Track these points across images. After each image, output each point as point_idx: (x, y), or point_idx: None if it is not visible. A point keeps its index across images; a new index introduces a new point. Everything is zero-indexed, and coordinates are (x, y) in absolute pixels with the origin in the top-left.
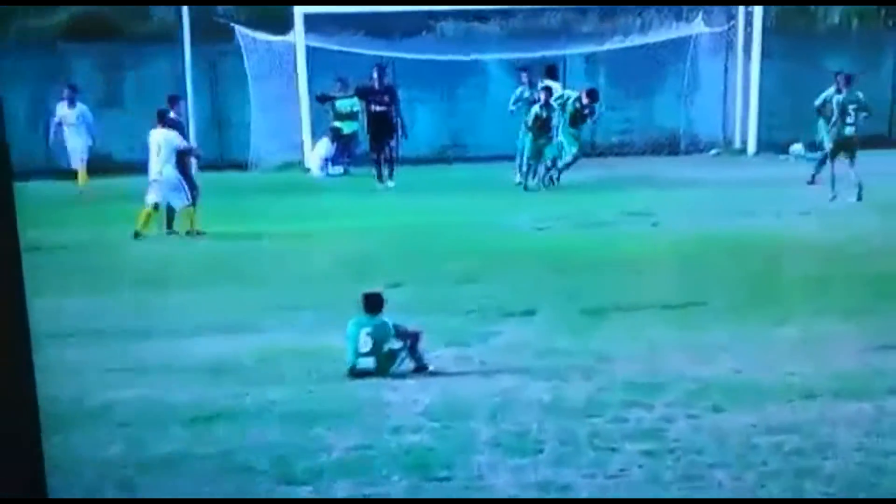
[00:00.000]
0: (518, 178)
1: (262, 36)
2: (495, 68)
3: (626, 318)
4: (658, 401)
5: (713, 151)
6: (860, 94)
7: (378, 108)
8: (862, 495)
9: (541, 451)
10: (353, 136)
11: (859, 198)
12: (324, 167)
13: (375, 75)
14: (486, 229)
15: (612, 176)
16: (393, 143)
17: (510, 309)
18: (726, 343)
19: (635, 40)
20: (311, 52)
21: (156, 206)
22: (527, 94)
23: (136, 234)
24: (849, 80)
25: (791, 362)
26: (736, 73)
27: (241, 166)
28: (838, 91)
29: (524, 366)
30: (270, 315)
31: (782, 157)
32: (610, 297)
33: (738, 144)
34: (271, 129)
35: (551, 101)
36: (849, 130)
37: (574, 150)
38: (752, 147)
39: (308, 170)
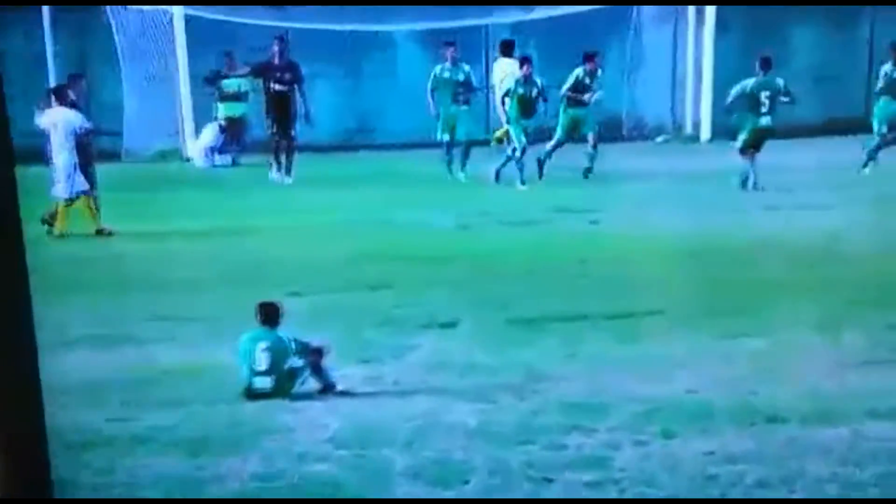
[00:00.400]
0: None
1: (133, 5)
2: (408, 40)
3: (562, 330)
4: (601, 425)
5: (661, 138)
6: (780, 80)
7: (278, 88)
8: None
9: (466, 483)
10: (241, 121)
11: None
12: (208, 157)
13: (276, 49)
14: (400, 228)
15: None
16: (295, 130)
17: (428, 320)
18: (679, 359)
19: (569, 7)
20: (190, 22)
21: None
22: (447, 74)
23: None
24: (767, 62)
25: (754, 381)
26: (686, 46)
27: (113, 156)
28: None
29: (446, 385)
30: (151, 327)
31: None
32: (544, 305)
33: (689, 130)
34: (146, 113)
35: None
36: (764, 121)
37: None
38: (705, 133)
39: (189, 160)
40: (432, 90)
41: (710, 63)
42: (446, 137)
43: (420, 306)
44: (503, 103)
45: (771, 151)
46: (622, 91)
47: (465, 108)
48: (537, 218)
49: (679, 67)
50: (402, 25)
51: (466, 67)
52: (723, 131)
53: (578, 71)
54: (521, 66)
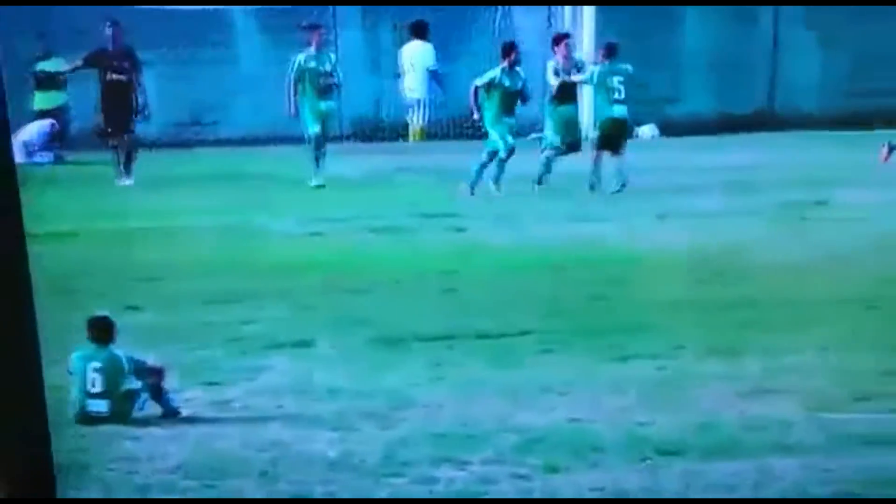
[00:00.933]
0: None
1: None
2: (248, 22)
3: (430, 351)
4: (475, 456)
5: (533, 135)
6: (628, 66)
7: (116, 78)
8: None
9: None
10: (60, 111)
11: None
12: (31, 153)
13: (109, 34)
14: (245, 234)
15: (404, 165)
16: (134, 124)
17: (280, 338)
18: (560, 383)
19: None
20: None
21: None
22: (313, 64)
23: None
24: (611, 49)
25: (644, 409)
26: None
27: None
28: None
29: (301, 411)
30: None
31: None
32: (409, 323)
33: None
34: None
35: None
36: (618, 111)
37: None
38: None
39: None
40: (295, 81)
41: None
42: (316, 131)
43: (271, 323)
44: (476, 96)
45: (663, 150)
46: None
47: (332, 102)
48: (400, 224)
49: None
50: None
51: (333, 56)
52: None
53: (496, 72)
54: (507, 53)
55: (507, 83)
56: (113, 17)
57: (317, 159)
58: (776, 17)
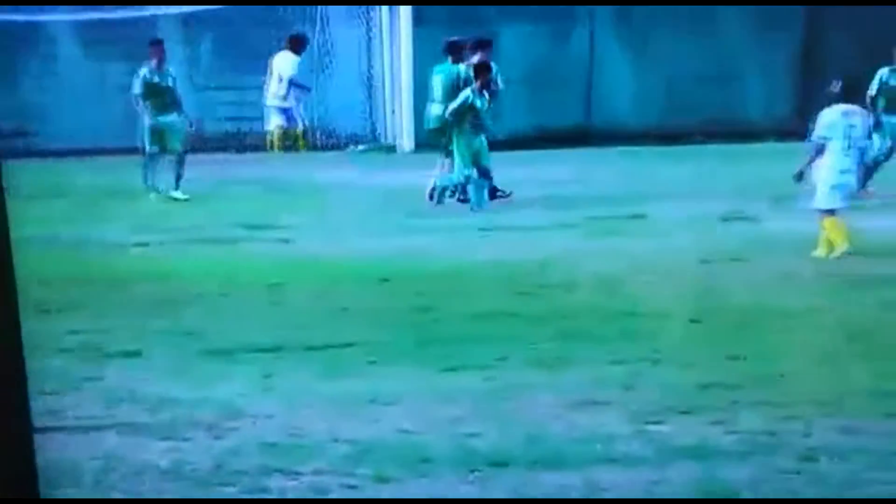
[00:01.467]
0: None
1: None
2: (67, 34)
3: (257, 362)
4: (305, 466)
5: (357, 147)
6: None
7: None
8: None
9: None
10: None
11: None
12: None
13: None
14: (69, 245)
15: (225, 177)
16: None
17: (108, 348)
18: (387, 394)
19: None
20: None
21: None
22: (157, 79)
23: None
24: (479, 46)
25: (472, 420)
26: (382, 44)
27: None
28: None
29: (130, 420)
30: None
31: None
32: (236, 334)
33: (388, 139)
34: None
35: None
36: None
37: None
38: (406, 142)
39: None
40: (140, 96)
41: (409, 62)
42: (154, 148)
43: (97, 333)
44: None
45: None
46: (312, 93)
47: (175, 116)
48: (222, 236)
49: (376, 67)
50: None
51: (173, 71)
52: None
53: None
54: (479, 73)
55: (479, 104)
56: None
57: (177, 174)
58: (592, 32)
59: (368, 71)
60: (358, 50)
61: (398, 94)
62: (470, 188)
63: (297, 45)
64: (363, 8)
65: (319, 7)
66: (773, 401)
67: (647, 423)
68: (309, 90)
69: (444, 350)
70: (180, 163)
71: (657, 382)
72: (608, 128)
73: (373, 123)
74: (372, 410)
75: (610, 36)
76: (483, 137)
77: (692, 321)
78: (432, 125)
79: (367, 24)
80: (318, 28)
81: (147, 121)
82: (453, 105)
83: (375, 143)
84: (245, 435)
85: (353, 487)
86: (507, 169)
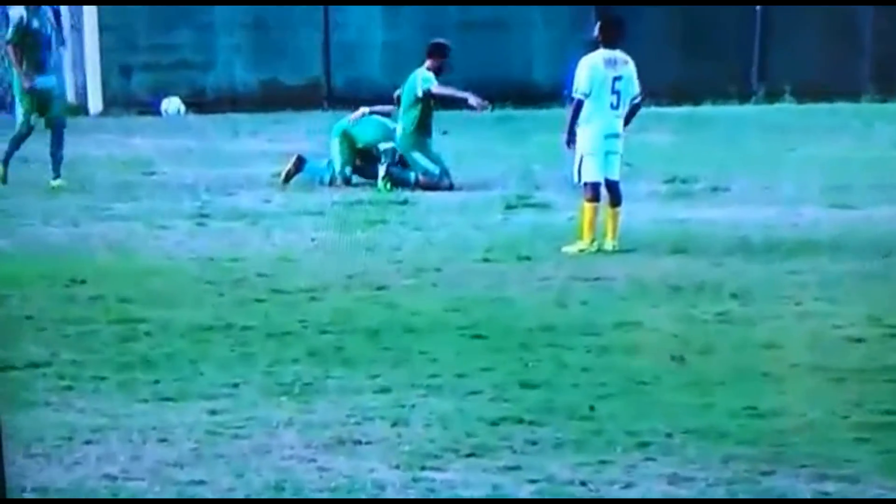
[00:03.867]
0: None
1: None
2: None
3: None
4: None
5: None
6: None
7: None
8: None
9: None
10: None
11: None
12: None
13: None
14: None
15: None
16: None
17: None
18: (84, 429)
19: None
20: None
21: None
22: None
23: None
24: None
25: (195, 465)
26: None
27: None
28: None
29: None
30: None
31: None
32: None
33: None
34: None
35: None
36: None
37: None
38: (95, 103)
39: None
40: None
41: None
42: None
43: None
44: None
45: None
46: None
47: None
48: None
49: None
50: None
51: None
52: (124, 100)
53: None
54: (440, 54)
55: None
56: None
57: (52, 155)
58: None
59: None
60: None
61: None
62: None
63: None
64: None
65: None
66: (582, 440)
67: (424, 468)
68: None
69: (156, 374)
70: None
71: (435, 416)
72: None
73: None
74: (67, 450)
75: None
76: None
77: (475, 336)
78: None
79: None
80: None
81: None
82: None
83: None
84: None
85: None
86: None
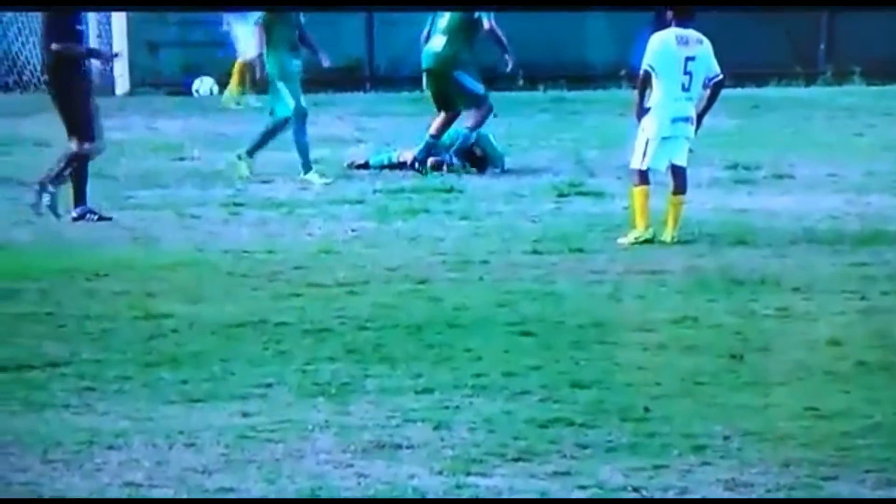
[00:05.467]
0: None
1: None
2: None
3: None
4: None
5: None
6: None
7: None
8: None
9: None
10: None
11: None
12: None
13: None
14: None
15: None
16: None
17: None
18: (107, 433)
19: None
20: None
21: None
22: None
23: None
24: None
25: (224, 472)
26: None
27: None
28: None
29: None
30: None
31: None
32: None
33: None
34: None
35: None
36: None
37: None
38: (122, 82)
39: None
40: None
41: None
42: None
43: None
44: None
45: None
46: None
47: None
48: None
49: None
50: None
51: None
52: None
53: None
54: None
55: None
56: None
57: None
58: None
59: None
60: None
61: None
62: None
63: None
64: None
65: None
66: (636, 443)
67: (469, 473)
68: None
69: (183, 374)
70: None
71: (480, 418)
72: None
73: None
74: (88, 455)
75: None
76: None
77: (523, 333)
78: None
79: None
80: None
81: None
82: None
83: None
84: None
85: None
86: None
